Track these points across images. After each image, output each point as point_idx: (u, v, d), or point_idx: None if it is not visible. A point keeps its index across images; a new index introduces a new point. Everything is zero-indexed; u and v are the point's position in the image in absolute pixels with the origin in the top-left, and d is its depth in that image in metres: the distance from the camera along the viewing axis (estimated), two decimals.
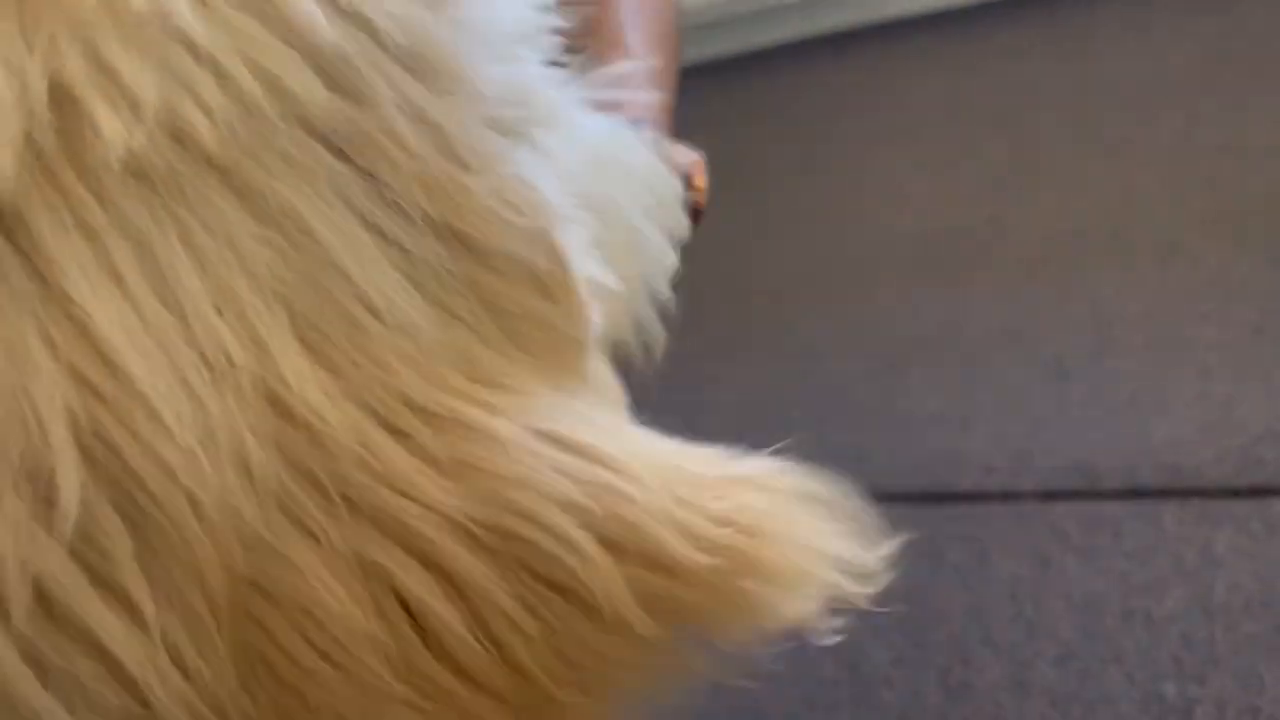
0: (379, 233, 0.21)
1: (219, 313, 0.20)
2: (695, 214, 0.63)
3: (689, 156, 0.62)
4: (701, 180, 0.62)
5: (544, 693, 0.22)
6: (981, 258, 1.18)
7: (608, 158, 0.33)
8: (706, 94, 1.79)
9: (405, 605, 0.21)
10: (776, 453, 0.28)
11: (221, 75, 0.20)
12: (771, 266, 1.30)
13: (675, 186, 0.37)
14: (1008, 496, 0.91)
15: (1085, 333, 1.03)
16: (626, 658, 0.23)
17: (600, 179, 0.32)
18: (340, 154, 0.21)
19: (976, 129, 1.40)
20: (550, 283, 0.24)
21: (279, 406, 0.20)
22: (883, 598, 0.92)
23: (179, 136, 0.19)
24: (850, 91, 1.62)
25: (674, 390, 1.23)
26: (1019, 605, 0.82)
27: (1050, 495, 0.90)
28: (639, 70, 0.65)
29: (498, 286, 0.23)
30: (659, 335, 0.37)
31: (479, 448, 0.21)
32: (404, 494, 0.20)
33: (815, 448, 0.94)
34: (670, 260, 0.37)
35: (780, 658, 0.85)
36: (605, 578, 0.21)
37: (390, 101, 0.22)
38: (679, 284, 1.40)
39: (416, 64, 0.22)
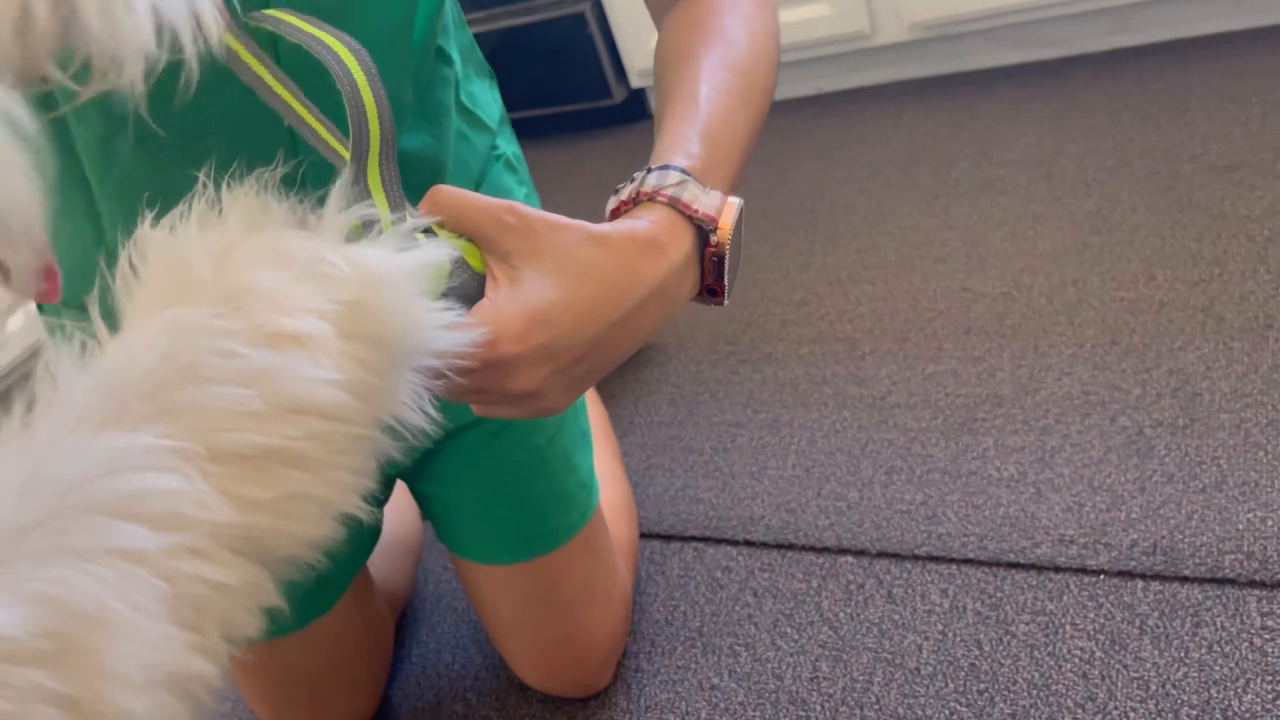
0: None
1: None
2: (718, 259, 0.60)
3: (721, 200, 0.59)
4: (727, 225, 0.58)
5: None
6: (1062, 321, 1.16)
7: None
8: (792, 133, 1.79)
9: None
10: None
11: None
12: (848, 314, 1.29)
13: None
14: (1082, 571, 0.89)
15: (1169, 407, 1.00)
16: None
17: None
18: None
19: (1063, 187, 1.38)
20: None
21: None
22: (947, 665, 0.91)
23: None
24: (935, 140, 1.61)
25: (745, 430, 1.23)
26: (1090, 686, 0.80)
27: (1127, 574, 0.87)
28: (693, 130, 0.62)
29: None
30: None
31: None
32: None
33: (884, 503, 0.94)
34: None
35: None
36: None
37: None
38: (755, 324, 1.39)
39: None
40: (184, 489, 0.37)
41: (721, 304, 0.62)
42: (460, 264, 0.53)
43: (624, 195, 0.59)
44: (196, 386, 0.39)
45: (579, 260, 0.54)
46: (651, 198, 0.58)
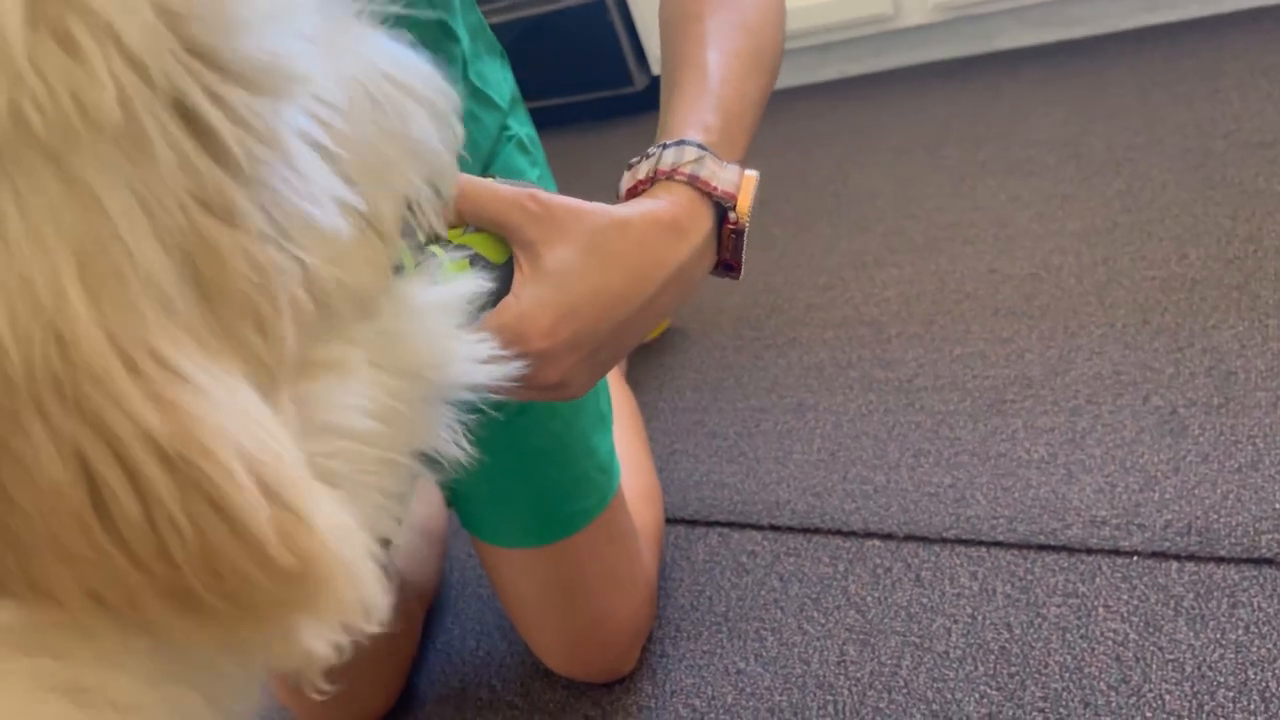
0: (154, 221, 0.29)
1: (31, 247, 0.27)
2: (737, 235, 0.59)
3: (739, 175, 0.58)
4: (745, 201, 0.57)
5: (192, 589, 0.29)
6: (1092, 301, 1.14)
7: (386, 77, 0.39)
8: (816, 116, 1.77)
9: (99, 490, 0.27)
10: None
11: (48, 87, 0.27)
12: (874, 296, 1.28)
13: (454, 101, 0.42)
14: (1115, 552, 0.87)
15: (1204, 386, 0.98)
16: (262, 586, 0.29)
17: (373, 102, 0.38)
18: (130, 158, 0.29)
19: (1091, 166, 1.36)
20: (266, 324, 0.32)
21: (50, 319, 0.27)
22: (976, 649, 0.89)
23: (18, 122, 0.27)
24: (961, 122, 1.59)
25: (769, 414, 1.21)
26: (1124, 669, 0.79)
27: (1162, 555, 0.86)
28: (704, 97, 0.61)
29: (224, 310, 0.31)
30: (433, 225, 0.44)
31: (190, 396, 0.28)
32: (125, 413, 0.27)
33: (912, 486, 0.92)
34: (448, 165, 0.42)
35: (870, 706, 0.82)
36: (254, 511, 0.28)
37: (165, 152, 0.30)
38: (779, 309, 1.38)
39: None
40: None
41: (737, 278, 0.61)
42: (481, 268, 0.53)
43: (641, 174, 0.58)
44: None
45: (603, 248, 0.53)
46: (670, 176, 0.56)
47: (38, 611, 0.31)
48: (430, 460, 0.45)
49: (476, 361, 0.46)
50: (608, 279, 0.53)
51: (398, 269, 0.49)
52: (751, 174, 0.58)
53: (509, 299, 0.52)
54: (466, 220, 0.53)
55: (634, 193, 0.58)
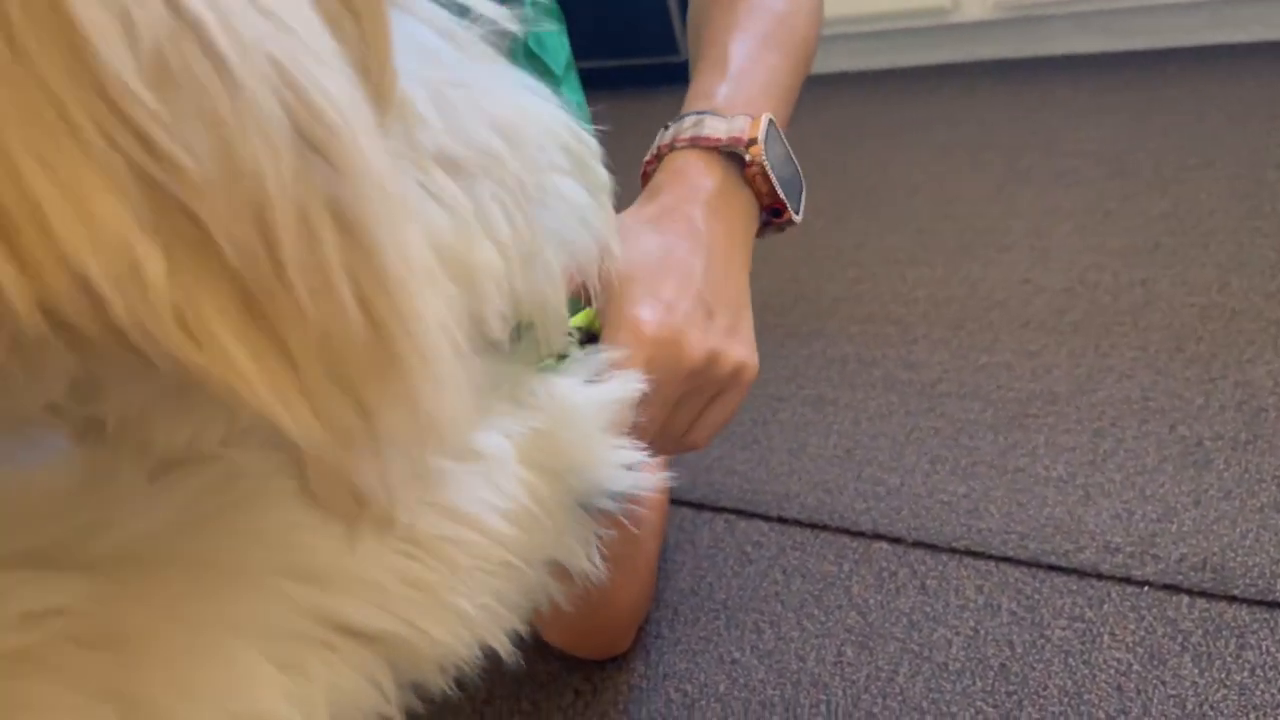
0: None
1: None
2: (763, 176, 0.59)
3: (747, 121, 0.59)
4: (756, 136, 0.58)
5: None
6: (1126, 321, 1.12)
7: (518, 118, 0.37)
8: (862, 105, 1.75)
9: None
10: None
11: None
12: (903, 295, 1.26)
13: (590, 143, 0.42)
14: (1126, 580, 0.86)
15: (1232, 420, 0.96)
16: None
17: (508, 137, 0.36)
18: None
19: (1137, 183, 1.33)
20: None
21: None
22: (976, 663, 0.87)
23: None
24: (1008, 125, 1.56)
25: (787, 404, 1.20)
26: (1124, 700, 0.78)
27: (1173, 588, 0.84)
28: (729, 83, 0.62)
29: None
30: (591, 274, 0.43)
31: None
32: None
33: (925, 492, 0.90)
34: (586, 206, 0.41)
35: (864, 710, 0.80)
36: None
37: None
38: (806, 298, 1.35)
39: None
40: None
41: (793, 222, 0.62)
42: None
43: (647, 156, 0.60)
44: None
45: (636, 242, 0.55)
46: (671, 146, 0.59)
47: None
48: (560, 572, 0.43)
49: (622, 467, 0.44)
50: (655, 256, 0.54)
51: (557, 360, 0.47)
52: (762, 116, 0.59)
53: (608, 317, 0.52)
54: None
55: (645, 176, 0.60)
